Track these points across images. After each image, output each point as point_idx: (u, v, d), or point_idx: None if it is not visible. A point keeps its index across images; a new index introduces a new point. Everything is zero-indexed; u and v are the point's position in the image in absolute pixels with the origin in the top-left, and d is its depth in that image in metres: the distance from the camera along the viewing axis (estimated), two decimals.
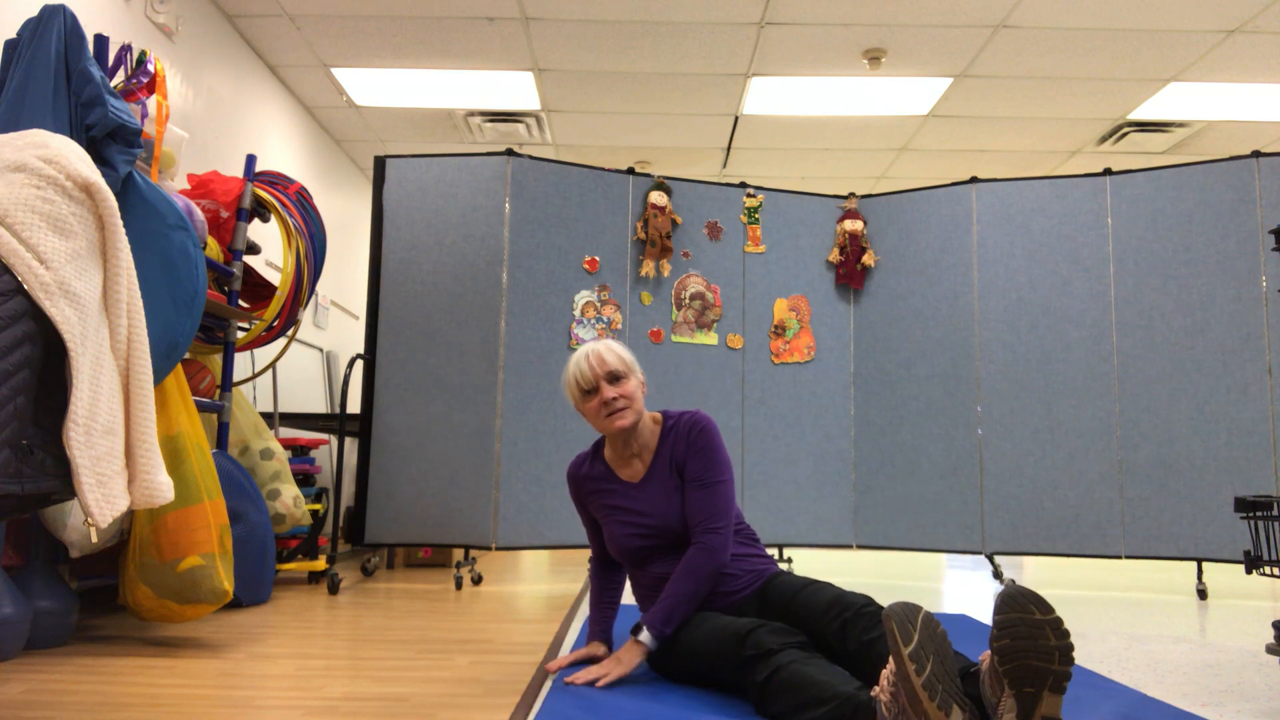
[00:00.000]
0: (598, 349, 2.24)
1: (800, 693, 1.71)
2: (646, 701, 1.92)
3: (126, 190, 2.46)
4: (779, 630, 1.90)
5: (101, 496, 1.65)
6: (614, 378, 2.22)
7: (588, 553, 5.48)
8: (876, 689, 1.58)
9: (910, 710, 1.50)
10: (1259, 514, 2.14)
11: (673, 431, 2.29)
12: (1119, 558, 4.07)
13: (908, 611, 1.55)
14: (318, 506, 4.22)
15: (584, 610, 3.32)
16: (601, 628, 2.38)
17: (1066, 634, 1.50)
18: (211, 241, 3.29)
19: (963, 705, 1.49)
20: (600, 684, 2.03)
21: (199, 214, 3.08)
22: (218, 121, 4.59)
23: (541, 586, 4.13)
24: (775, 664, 1.79)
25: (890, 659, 1.56)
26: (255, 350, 4.52)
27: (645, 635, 2.09)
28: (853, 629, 1.88)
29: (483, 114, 5.88)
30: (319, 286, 5.73)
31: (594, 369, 2.22)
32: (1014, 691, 1.49)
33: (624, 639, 2.17)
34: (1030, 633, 1.49)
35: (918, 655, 1.50)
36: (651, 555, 2.26)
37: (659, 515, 2.24)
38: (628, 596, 2.84)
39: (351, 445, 5.69)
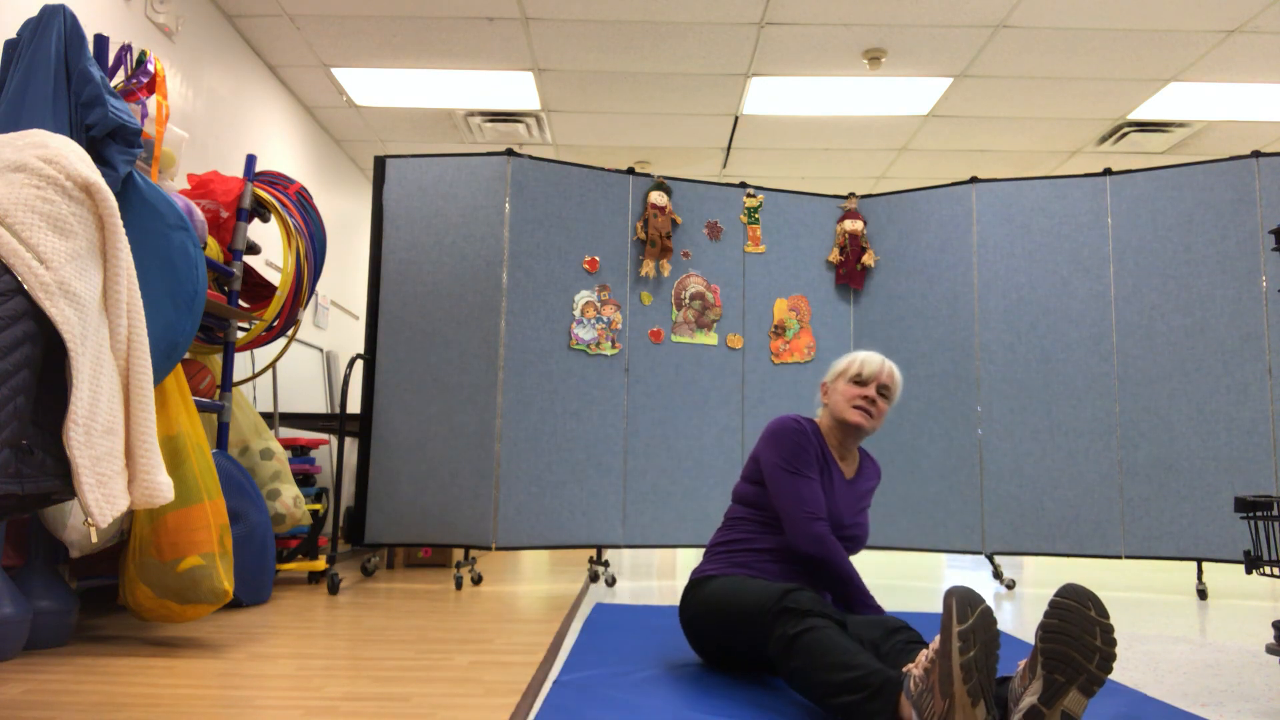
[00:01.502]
0: (893, 367, 2.42)
1: (826, 655, 1.73)
2: (647, 701, 1.93)
3: (126, 190, 2.46)
4: (820, 600, 1.94)
5: (101, 496, 1.65)
6: (885, 392, 2.39)
7: (588, 553, 5.50)
8: (911, 665, 1.60)
9: (938, 690, 1.50)
10: (1259, 514, 2.14)
11: (870, 460, 2.52)
12: (1119, 558, 4.07)
13: (971, 597, 1.57)
14: (318, 506, 4.22)
15: (584, 611, 3.32)
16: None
17: (1114, 642, 1.51)
18: (211, 241, 3.29)
19: (989, 706, 1.50)
20: None
21: (199, 214, 3.08)
22: (218, 121, 4.59)
23: (541, 586, 4.13)
24: (808, 624, 1.83)
25: (936, 638, 1.58)
26: (255, 350, 4.52)
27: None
28: (894, 638, 1.92)
29: (483, 114, 5.88)
30: (319, 286, 5.73)
31: (879, 372, 2.39)
32: (1044, 674, 1.51)
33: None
34: (1080, 623, 1.51)
35: (967, 636, 1.52)
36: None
37: (846, 513, 2.36)
38: (634, 597, 2.83)
39: (351, 445, 5.69)
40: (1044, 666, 1.51)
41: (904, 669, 1.62)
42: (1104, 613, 1.53)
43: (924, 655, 1.60)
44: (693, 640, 2.31)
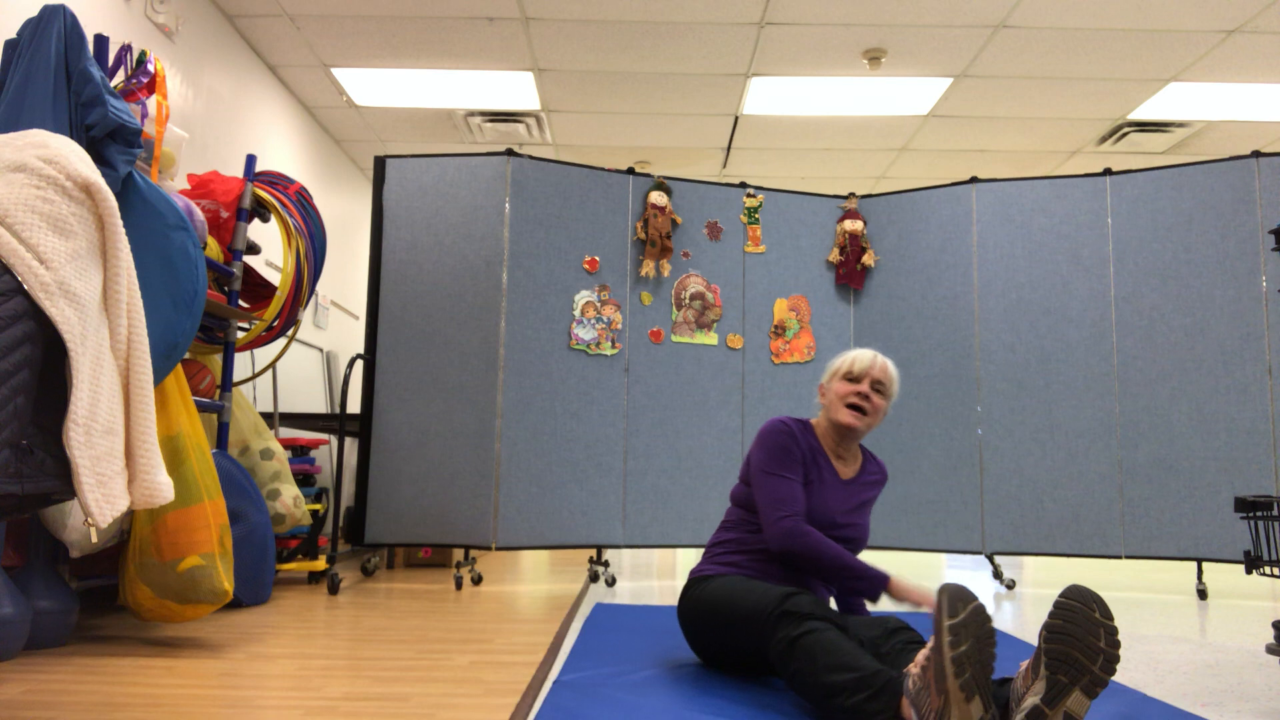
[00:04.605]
0: (887, 362, 2.38)
1: (827, 656, 1.74)
2: (647, 701, 1.93)
3: (126, 190, 2.46)
4: (821, 603, 1.94)
5: (101, 496, 1.65)
6: (880, 388, 2.35)
7: (588, 553, 5.49)
8: (910, 664, 1.61)
9: (934, 686, 1.51)
10: (1259, 514, 2.14)
11: (873, 462, 2.48)
12: (1119, 558, 4.07)
13: (963, 593, 1.58)
14: (318, 506, 4.22)
15: (584, 611, 3.32)
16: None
17: (1117, 644, 1.52)
18: (211, 241, 3.30)
19: (985, 701, 1.50)
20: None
21: (199, 214, 3.08)
22: (218, 121, 4.59)
23: (541, 586, 4.13)
24: (809, 626, 1.84)
25: (930, 639, 1.59)
26: (255, 350, 4.52)
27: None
28: (894, 638, 1.93)
29: (483, 114, 5.87)
30: (319, 286, 5.73)
31: (871, 367, 2.35)
32: (1047, 674, 1.51)
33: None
34: (1085, 624, 1.52)
35: (958, 630, 1.53)
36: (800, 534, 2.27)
37: (841, 515, 2.35)
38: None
39: (351, 445, 5.69)
40: (1047, 667, 1.52)
41: (904, 669, 1.63)
42: (1108, 614, 1.53)
43: (921, 654, 1.61)
44: (691, 639, 2.31)
